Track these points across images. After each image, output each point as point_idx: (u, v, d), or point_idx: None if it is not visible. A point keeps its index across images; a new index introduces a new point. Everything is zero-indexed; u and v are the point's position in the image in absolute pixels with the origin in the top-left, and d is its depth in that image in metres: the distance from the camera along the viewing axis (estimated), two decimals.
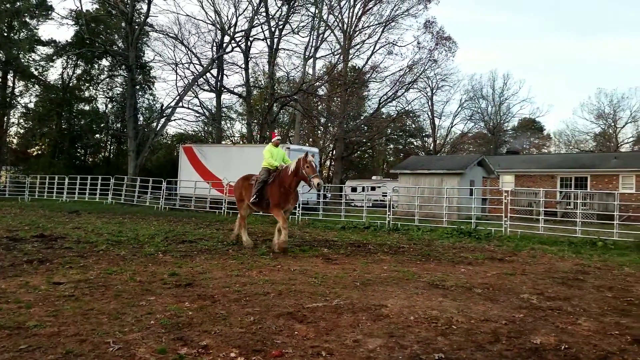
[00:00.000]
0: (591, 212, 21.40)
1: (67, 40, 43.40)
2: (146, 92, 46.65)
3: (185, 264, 7.69)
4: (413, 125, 56.03)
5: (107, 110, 48.53)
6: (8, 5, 36.92)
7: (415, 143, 59.73)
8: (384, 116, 47.06)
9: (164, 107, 31.03)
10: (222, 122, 42.14)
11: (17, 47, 38.24)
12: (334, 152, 41.12)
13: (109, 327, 4.30)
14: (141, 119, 39.74)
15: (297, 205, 15.27)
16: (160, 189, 23.16)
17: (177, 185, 25.11)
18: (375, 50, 39.90)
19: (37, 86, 44.25)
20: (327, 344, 4.05)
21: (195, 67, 33.90)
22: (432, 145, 55.15)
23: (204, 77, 33.44)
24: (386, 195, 20.18)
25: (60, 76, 45.19)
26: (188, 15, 48.11)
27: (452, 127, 56.00)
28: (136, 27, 29.89)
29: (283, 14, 33.10)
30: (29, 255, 7.91)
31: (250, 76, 35.77)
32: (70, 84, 45.30)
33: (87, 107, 47.53)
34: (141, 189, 25.50)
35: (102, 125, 47.76)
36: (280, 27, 33.61)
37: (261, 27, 33.74)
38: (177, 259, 8.21)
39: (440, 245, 11.61)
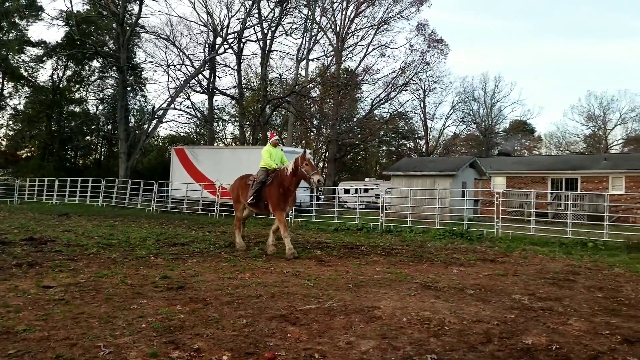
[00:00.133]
0: (581, 213, 21.57)
1: (57, 41, 43.24)
2: (137, 93, 46.51)
3: (177, 267, 7.64)
4: (405, 127, 56.32)
5: (97, 112, 48.31)
6: None
7: (407, 145, 60.00)
8: (376, 118, 47.18)
9: (155, 109, 30.87)
10: (215, 124, 42.04)
11: (6, 48, 37.97)
12: (327, 154, 41.15)
13: (100, 331, 4.26)
14: (132, 120, 39.63)
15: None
16: (151, 191, 23.04)
17: (168, 188, 25.00)
18: (367, 52, 40.10)
19: (26, 87, 43.98)
20: (320, 346, 4.04)
21: (187, 68, 33.78)
22: (424, 147, 55.39)
23: (196, 78, 33.32)
24: (379, 197, 20.21)
25: (50, 77, 44.96)
26: (180, 17, 47.84)
27: (444, 129, 56.37)
28: (127, 28, 29.73)
29: (276, 15, 33.12)
30: (18, 259, 7.83)
31: (242, 78, 35.73)
32: (61, 86, 45.02)
33: (77, 109, 47.29)
34: (132, 191, 25.36)
35: (92, 127, 47.53)
36: (273, 28, 33.59)
37: (254, 29, 33.71)
38: (168, 261, 8.16)
39: (433, 246, 11.64)
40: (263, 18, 33.01)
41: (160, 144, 51.18)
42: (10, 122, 45.64)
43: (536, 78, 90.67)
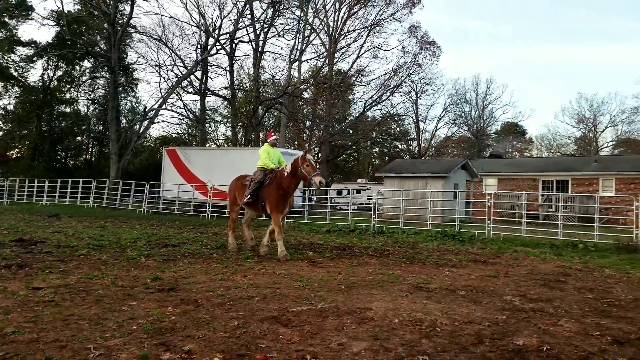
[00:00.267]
0: (572, 215, 21.72)
1: (48, 41, 42.93)
2: (129, 94, 46.30)
3: (169, 268, 7.60)
4: (398, 129, 56.49)
5: (88, 113, 48.02)
6: None
7: (400, 146, 60.19)
8: (369, 119, 47.33)
9: (147, 110, 30.73)
10: (207, 125, 41.92)
11: None
12: (320, 155, 41.17)
13: (90, 332, 4.22)
14: (124, 121, 39.44)
15: None
16: (143, 192, 22.91)
17: (160, 189, 24.87)
18: (360, 53, 40.23)
19: (16, 87, 43.61)
20: (312, 347, 4.03)
21: (179, 69, 33.67)
22: (416, 148, 55.59)
23: (188, 79, 33.20)
24: (371, 198, 20.24)
25: (40, 77, 44.63)
26: (172, 17, 47.72)
27: (436, 130, 56.68)
28: (119, 28, 29.57)
29: (268, 16, 33.11)
30: (7, 260, 7.74)
31: (235, 79, 35.70)
32: (51, 86, 44.70)
33: (68, 109, 46.97)
34: (123, 192, 25.20)
35: (83, 127, 47.24)
36: (266, 30, 33.59)
37: (246, 30, 33.69)
38: (160, 263, 8.11)
39: (425, 247, 11.67)
40: (255, 19, 33.03)
41: (152, 145, 50.96)
42: (0, 122, 45.23)
43: (527, 80, 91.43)
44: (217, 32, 32.10)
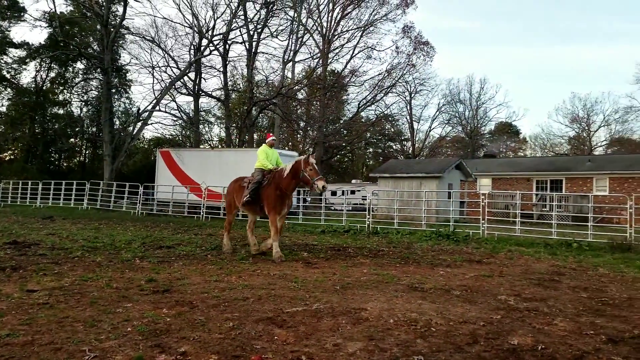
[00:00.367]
0: (566, 214, 21.84)
1: (40, 43, 42.72)
2: (122, 95, 46.14)
3: (163, 270, 7.57)
4: (392, 129, 56.57)
5: (82, 114, 47.81)
6: None
7: (394, 147, 60.29)
8: (363, 120, 47.36)
9: (140, 111, 30.63)
10: (200, 126, 41.79)
11: None
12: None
13: (85, 335, 4.21)
14: (117, 122, 39.25)
15: None
16: (137, 194, 22.82)
17: (154, 190, 24.78)
18: (354, 54, 40.16)
19: (9, 89, 43.31)
20: (307, 348, 4.03)
21: (172, 70, 33.56)
22: (410, 148, 55.73)
23: (182, 80, 33.12)
24: (366, 199, 20.26)
25: (33, 79, 44.43)
26: (165, 18, 47.55)
27: (430, 130, 56.89)
28: (112, 29, 29.45)
29: (262, 17, 33.05)
30: (1, 263, 7.68)
31: (228, 80, 35.58)
32: (44, 87, 44.47)
33: (61, 111, 46.72)
34: (117, 194, 25.11)
35: (76, 129, 47.01)
36: (259, 30, 33.54)
37: (239, 31, 33.60)
38: (154, 264, 8.08)
39: (419, 248, 11.69)
40: (249, 20, 32.96)
41: (146, 146, 50.79)
42: None
43: (521, 80, 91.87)
44: (210, 33, 32.05)
